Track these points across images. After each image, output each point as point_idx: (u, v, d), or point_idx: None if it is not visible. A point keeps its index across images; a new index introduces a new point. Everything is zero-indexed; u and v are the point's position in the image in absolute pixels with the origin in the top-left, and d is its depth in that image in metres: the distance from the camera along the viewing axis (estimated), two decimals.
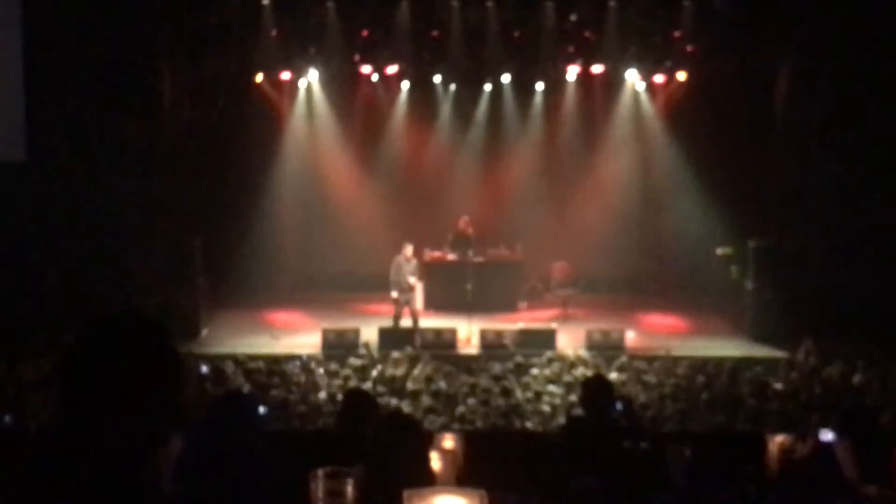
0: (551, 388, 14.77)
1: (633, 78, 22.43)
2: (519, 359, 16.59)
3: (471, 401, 13.95)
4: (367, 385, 15.09)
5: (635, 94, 22.89)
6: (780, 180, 20.86)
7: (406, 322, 19.37)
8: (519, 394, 14.30)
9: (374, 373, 15.98)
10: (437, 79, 22.59)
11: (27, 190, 19.36)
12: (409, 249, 19.65)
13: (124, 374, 2.64)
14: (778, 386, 15.07)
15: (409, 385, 14.94)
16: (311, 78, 22.44)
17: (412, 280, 19.50)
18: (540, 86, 22.84)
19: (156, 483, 2.65)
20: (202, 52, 20.91)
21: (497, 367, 16.20)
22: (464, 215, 21.75)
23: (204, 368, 16.06)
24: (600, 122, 23.21)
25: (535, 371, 16.03)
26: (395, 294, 19.48)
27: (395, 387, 14.85)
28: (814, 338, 17.92)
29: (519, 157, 23.40)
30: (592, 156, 23.30)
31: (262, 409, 12.22)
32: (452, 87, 22.94)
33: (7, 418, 12.87)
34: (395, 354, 16.89)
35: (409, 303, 19.55)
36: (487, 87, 22.90)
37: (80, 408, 2.64)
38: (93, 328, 2.73)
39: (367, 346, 18.04)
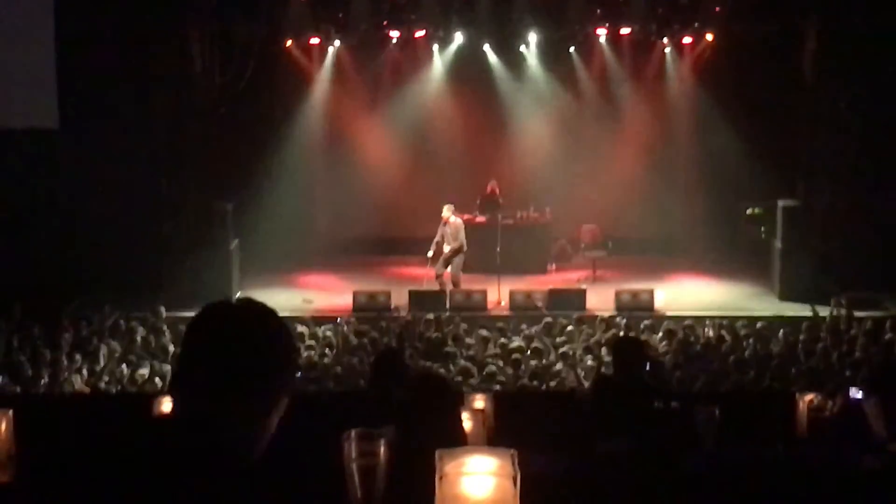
0: (581, 348, 14.80)
1: (662, 39, 22.31)
2: (549, 320, 16.62)
3: (501, 362, 14.01)
4: (399, 346, 15.17)
5: (665, 54, 22.80)
6: (809, 140, 20.73)
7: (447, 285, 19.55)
8: (549, 354, 14.35)
9: (406, 334, 16.06)
10: (465, 42, 22.51)
11: (60, 157, 19.48)
12: (446, 211, 19.67)
13: (240, 354, 2.75)
14: (807, 345, 15.05)
15: (440, 346, 15.01)
16: (340, 42, 22.44)
17: (452, 241, 19.51)
18: (568, 48, 22.76)
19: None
20: (231, 18, 20.92)
21: (527, 329, 16.25)
22: (492, 180, 21.77)
23: None
24: (629, 83, 23.12)
25: (564, 331, 16.07)
26: (430, 253, 19.56)
27: (426, 348, 14.93)
28: (843, 297, 17.89)
29: (548, 119, 23.34)
30: (621, 117, 23.24)
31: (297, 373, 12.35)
32: (480, 50, 22.86)
33: (44, 381, 13.03)
34: (428, 316, 16.99)
35: (449, 265, 19.59)
36: (515, 49, 22.83)
37: (196, 385, 2.74)
38: (211, 311, 2.85)
39: (397, 309, 18.15)
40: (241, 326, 2.81)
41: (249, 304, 2.91)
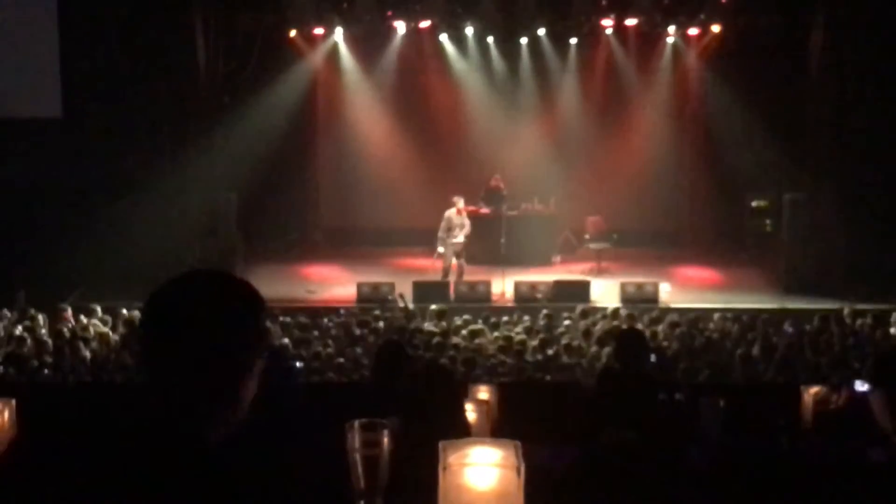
0: (585, 340, 14.80)
1: (667, 31, 22.32)
2: (546, 311, 16.62)
3: (505, 353, 14.01)
4: (402, 337, 15.17)
5: (671, 46, 22.79)
6: (816, 133, 20.72)
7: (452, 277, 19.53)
8: (553, 346, 14.35)
9: (409, 325, 16.07)
10: (470, 33, 22.50)
11: (63, 146, 19.49)
12: (460, 203, 19.64)
13: (203, 327, 2.67)
14: (812, 337, 15.04)
15: (444, 338, 15.00)
16: (344, 33, 22.44)
17: (458, 232, 19.48)
18: (573, 40, 22.75)
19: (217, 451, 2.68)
20: (236, 7, 20.94)
21: (531, 320, 16.25)
22: (496, 174, 21.78)
23: None
24: (635, 75, 23.12)
25: (568, 324, 16.07)
26: (441, 249, 19.52)
27: (430, 339, 14.92)
28: (848, 290, 17.88)
29: (553, 111, 23.35)
30: (626, 109, 23.25)
31: (298, 364, 12.36)
32: (485, 41, 22.87)
33: (46, 371, 13.04)
34: (431, 307, 17.00)
35: (458, 257, 19.56)
36: (521, 41, 22.83)
37: (159, 362, 2.68)
38: (172, 285, 2.75)
39: (402, 297, 18.14)
40: (188, 302, 2.71)
41: (212, 277, 2.80)
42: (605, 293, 18.98)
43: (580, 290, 18.83)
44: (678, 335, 15.21)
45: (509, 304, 18.56)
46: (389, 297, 18.22)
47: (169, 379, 2.66)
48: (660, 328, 15.77)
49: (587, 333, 15.29)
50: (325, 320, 16.29)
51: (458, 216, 19.59)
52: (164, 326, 2.68)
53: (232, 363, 2.69)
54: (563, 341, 14.67)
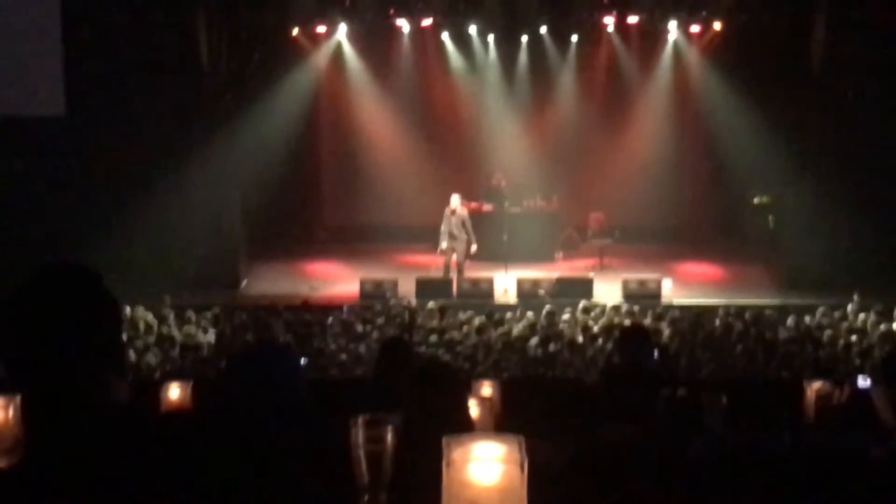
0: (588, 336, 14.81)
1: (669, 28, 22.30)
2: (555, 308, 16.62)
3: (508, 349, 14.03)
4: (405, 334, 15.18)
5: (672, 43, 22.76)
6: (818, 129, 20.69)
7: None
8: (555, 342, 14.35)
9: (412, 322, 16.07)
10: (473, 31, 22.49)
11: (66, 143, 19.49)
12: (454, 200, 19.59)
13: (58, 323, 2.75)
14: (815, 333, 15.05)
15: (447, 334, 15.01)
16: (347, 31, 22.42)
17: (456, 231, 19.46)
18: (575, 37, 22.73)
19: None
20: (238, 5, 20.93)
21: (534, 317, 16.25)
22: (497, 171, 21.75)
23: (244, 318, 16.22)
24: (636, 72, 23.11)
25: (570, 319, 16.07)
26: (443, 245, 19.49)
27: (432, 336, 14.94)
28: (851, 286, 17.87)
29: (555, 108, 23.33)
30: (629, 106, 23.23)
31: (302, 360, 12.36)
32: (488, 39, 22.85)
33: None
34: (431, 304, 16.98)
35: (455, 254, 19.53)
36: (522, 39, 22.81)
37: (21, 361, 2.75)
38: (22, 284, 2.84)
39: (401, 297, 18.13)
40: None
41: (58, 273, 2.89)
42: (608, 289, 18.97)
43: (582, 287, 18.82)
44: (680, 331, 15.22)
45: (511, 301, 18.55)
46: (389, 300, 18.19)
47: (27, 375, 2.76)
48: (662, 324, 15.78)
49: (589, 329, 15.31)
50: (329, 317, 16.30)
51: (452, 215, 19.50)
52: (16, 327, 2.76)
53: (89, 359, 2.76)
54: (566, 338, 14.68)
